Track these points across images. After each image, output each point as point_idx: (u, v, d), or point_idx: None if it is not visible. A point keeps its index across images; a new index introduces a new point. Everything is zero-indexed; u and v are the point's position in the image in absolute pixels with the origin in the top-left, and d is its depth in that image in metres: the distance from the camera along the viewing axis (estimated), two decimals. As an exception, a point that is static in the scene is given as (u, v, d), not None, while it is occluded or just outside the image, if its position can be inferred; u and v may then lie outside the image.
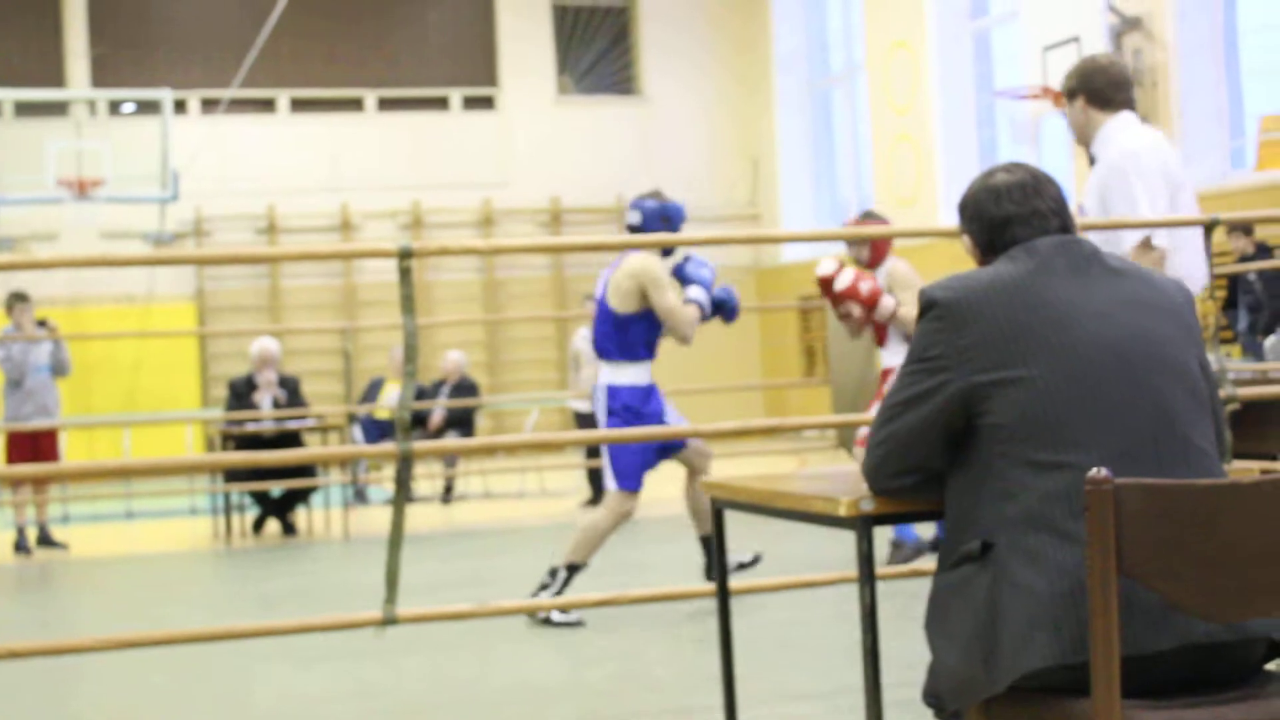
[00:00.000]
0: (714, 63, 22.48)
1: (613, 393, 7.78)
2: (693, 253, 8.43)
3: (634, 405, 7.75)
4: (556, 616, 7.41)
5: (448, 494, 14.87)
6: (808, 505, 3.46)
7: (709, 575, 8.08)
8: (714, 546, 4.16)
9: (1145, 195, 5.53)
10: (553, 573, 7.57)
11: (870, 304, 8.36)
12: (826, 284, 8.43)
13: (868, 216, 8.94)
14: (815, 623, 7.12)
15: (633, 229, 7.99)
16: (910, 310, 8.34)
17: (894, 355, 8.59)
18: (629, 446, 7.68)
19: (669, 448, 7.94)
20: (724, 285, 8.23)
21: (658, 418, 7.81)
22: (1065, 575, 2.82)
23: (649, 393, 7.86)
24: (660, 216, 7.97)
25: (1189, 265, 5.65)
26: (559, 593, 7.51)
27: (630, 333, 7.78)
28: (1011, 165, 3.28)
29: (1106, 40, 14.58)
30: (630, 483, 7.70)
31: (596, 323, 7.91)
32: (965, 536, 3.01)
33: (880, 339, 8.72)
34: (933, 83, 17.99)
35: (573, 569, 7.59)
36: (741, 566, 8.29)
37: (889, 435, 3.15)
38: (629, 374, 7.80)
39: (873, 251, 8.71)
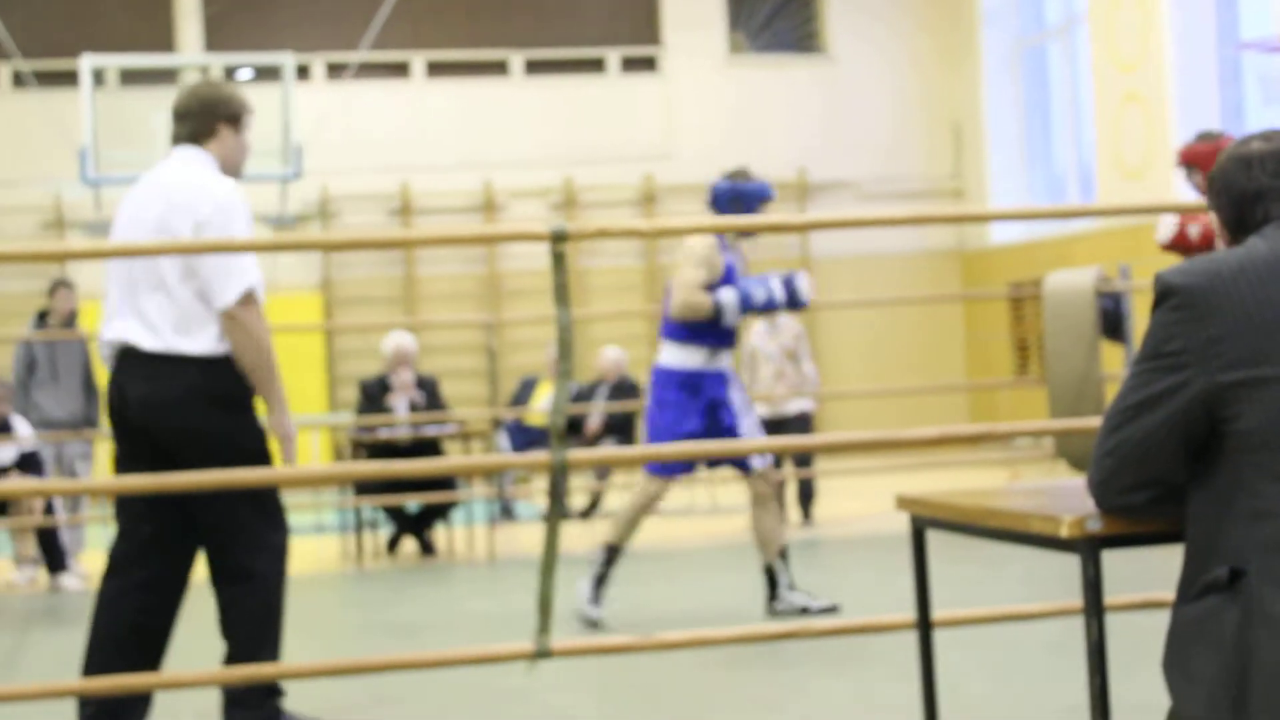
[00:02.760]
0: (910, 16, 22.34)
1: (656, 372, 8.48)
2: (792, 272, 8.85)
3: (672, 388, 8.34)
4: (591, 614, 8.33)
5: (592, 509, 14.94)
6: (1024, 524, 3.43)
7: (771, 610, 8.66)
8: (914, 573, 4.14)
9: None
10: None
11: (1206, 246, 8.31)
12: (1168, 248, 8.58)
13: (1204, 139, 8.93)
14: (1032, 661, 7.05)
15: (710, 208, 8.76)
16: None
17: None
18: (664, 426, 8.27)
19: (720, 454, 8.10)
20: (788, 273, 8.86)
21: (701, 405, 8.32)
22: (1330, 608, 2.77)
23: (694, 378, 8.37)
24: (731, 198, 8.64)
25: None
26: (601, 575, 8.41)
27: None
28: (1270, 133, 3.23)
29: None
30: (662, 469, 8.29)
31: (665, 301, 8.58)
32: (1210, 562, 2.97)
33: None
34: (1167, 33, 17.71)
35: (612, 550, 8.43)
36: (805, 612, 8.56)
37: (1120, 443, 3.12)
38: (678, 355, 8.41)
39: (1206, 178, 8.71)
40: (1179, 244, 8.55)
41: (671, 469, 8.37)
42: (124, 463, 5.69)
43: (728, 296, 8.46)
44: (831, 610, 8.54)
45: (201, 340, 5.55)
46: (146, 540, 5.68)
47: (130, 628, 5.69)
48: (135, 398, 5.54)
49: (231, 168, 5.88)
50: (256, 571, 5.67)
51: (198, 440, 5.53)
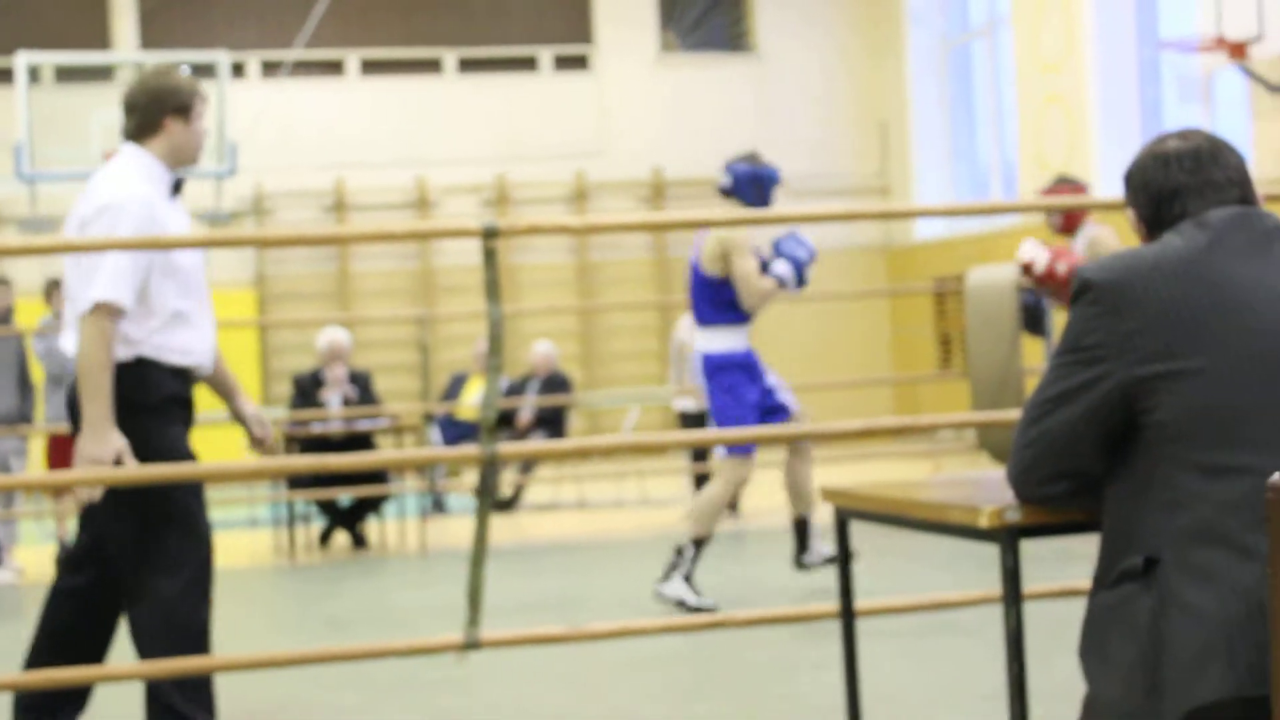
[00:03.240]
0: (838, 16, 22.40)
1: (708, 360, 8.57)
2: (796, 229, 8.88)
3: (730, 370, 8.52)
4: (691, 600, 8.25)
5: (514, 501, 14.93)
6: (945, 515, 3.44)
7: (798, 563, 8.87)
8: (838, 563, 4.14)
9: None
10: (679, 551, 8.36)
11: (1067, 285, 8.65)
12: (1028, 270, 8.93)
13: (1061, 182, 9.34)
14: (952, 649, 7.08)
15: (724, 192, 8.69)
16: None
17: None
18: (734, 412, 8.46)
19: (773, 415, 8.61)
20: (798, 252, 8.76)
21: (757, 385, 8.60)
22: (1242, 596, 2.79)
23: (746, 359, 8.59)
24: (751, 180, 8.64)
25: None
26: (690, 571, 8.34)
27: (724, 295, 8.52)
28: (1187, 131, 3.24)
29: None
30: (741, 449, 8.42)
31: (693, 289, 8.66)
32: (1126, 551, 2.99)
33: None
34: (1088, 35, 17.82)
35: (699, 543, 8.37)
36: (829, 561, 8.84)
37: (1039, 435, 3.13)
38: (724, 339, 8.56)
39: (1065, 219, 9.26)
40: (1047, 280, 8.80)
41: (750, 448, 8.50)
42: None
43: (784, 270, 8.56)
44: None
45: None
46: (88, 544, 5.57)
47: (69, 627, 5.58)
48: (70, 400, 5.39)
49: (184, 159, 5.54)
50: (156, 591, 5.37)
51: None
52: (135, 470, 5.06)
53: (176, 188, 5.50)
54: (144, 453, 5.25)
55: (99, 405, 5.09)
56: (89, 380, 5.10)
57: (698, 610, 8.19)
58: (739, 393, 8.54)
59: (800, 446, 8.78)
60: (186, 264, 5.37)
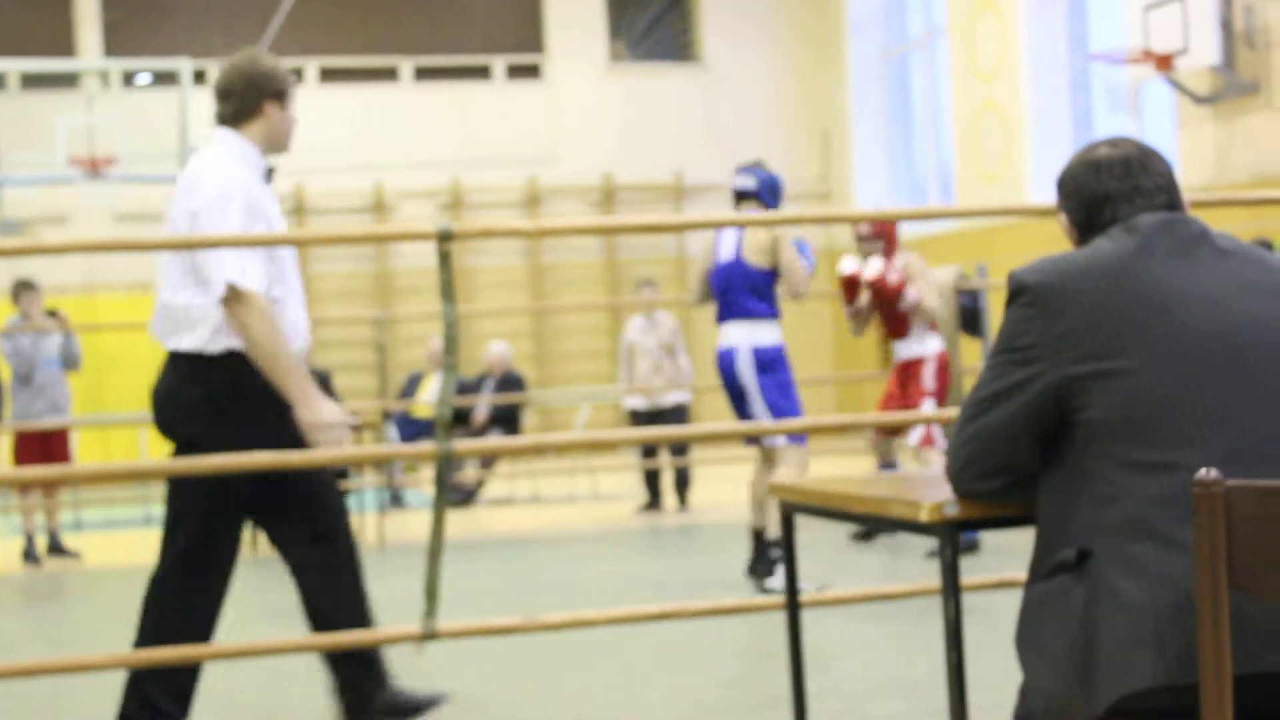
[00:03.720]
0: (782, 26, 22.43)
1: (760, 354, 8.69)
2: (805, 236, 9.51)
3: (781, 361, 8.75)
4: (771, 584, 8.57)
5: (472, 497, 14.91)
6: (886, 509, 3.45)
7: (752, 571, 8.88)
8: (784, 556, 4.15)
9: None
10: (774, 544, 8.61)
11: (897, 294, 9.45)
12: (849, 282, 9.58)
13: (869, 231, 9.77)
14: (893, 639, 7.10)
15: (742, 195, 8.78)
16: (931, 300, 9.59)
17: (919, 345, 9.97)
18: (791, 404, 8.71)
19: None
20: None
21: (789, 373, 8.88)
22: (1170, 587, 2.81)
23: (784, 350, 8.84)
24: (771, 185, 8.83)
25: None
26: (774, 560, 8.63)
27: (770, 287, 8.72)
28: (1117, 139, 3.26)
29: (1214, -2, 14.46)
30: (801, 437, 8.65)
31: (729, 285, 8.75)
32: (1059, 544, 3.00)
33: (901, 331, 9.89)
34: (1022, 45, 17.89)
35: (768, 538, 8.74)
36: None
37: (975, 433, 3.15)
38: (772, 333, 8.74)
39: (887, 243, 9.67)
40: (879, 286, 9.49)
41: (804, 437, 8.74)
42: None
43: (809, 265, 8.83)
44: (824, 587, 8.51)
45: (190, 337, 5.13)
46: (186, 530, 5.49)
47: (178, 610, 5.45)
48: (159, 397, 5.26)
49: (278, 145, 5.37)
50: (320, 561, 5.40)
51: (178, 436, 5.26)
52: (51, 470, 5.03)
53: (269, 174, 5.37)
54: (259, 438, 5.14)
55: (296, 379, 5.07)
56: (276, 362, 5.04)
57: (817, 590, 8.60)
58: (790, 385, 8.77)
59: (770, 459, 8.82)
60: (282, 252, 5.28)
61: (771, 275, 8.68)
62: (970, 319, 11.14)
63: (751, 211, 8.72)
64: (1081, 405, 2.98)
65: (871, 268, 9.47)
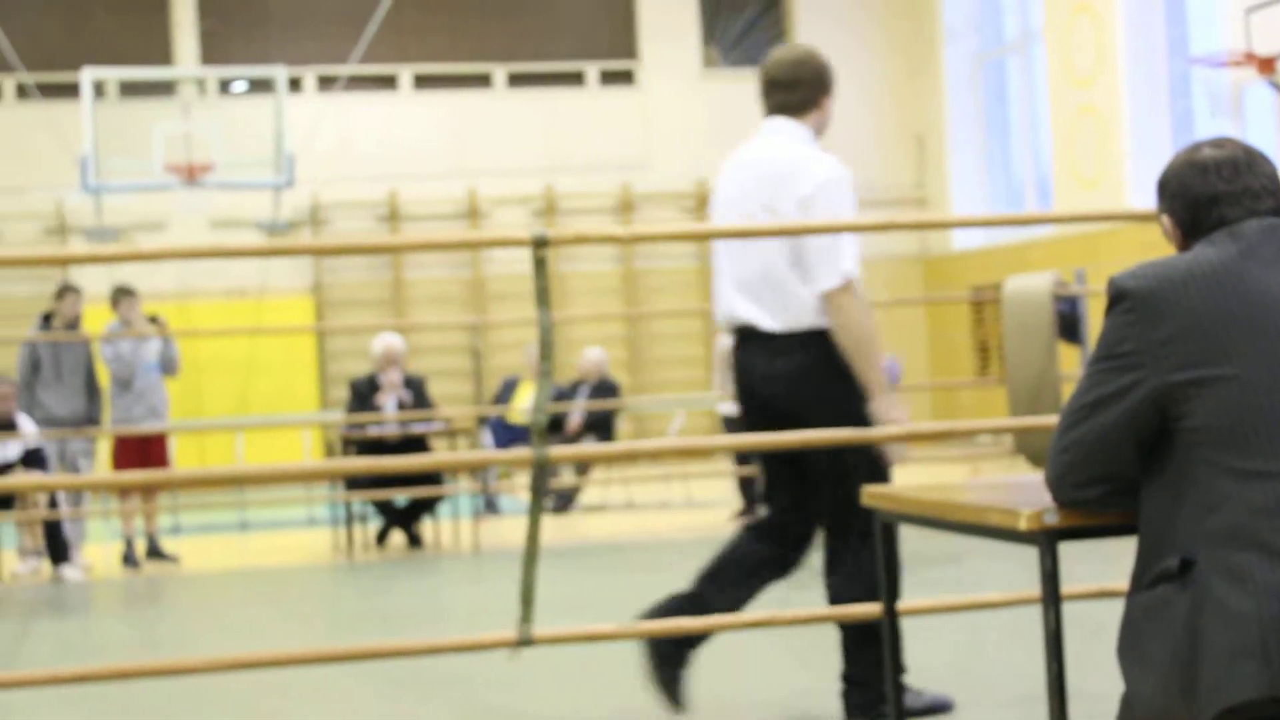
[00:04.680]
0: (875, 31, 22.36)
1: None
2: None
3: None
4: None
5: (569, 504, 14.94)
6: (984, 518, 3.43)
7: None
8: (882, 564, 4.14)
9: None
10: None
11: None
12: None
13: None
14: (990, 649, 7.06)
15: None
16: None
17: None
18: None
19: None
20: None
21: None
22: (1275, 597, 2.78)
23: None
24: None
25: None
26: None
27: None
28: (1220, 139, 3.23)
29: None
30: None
31: None
32: (1162, 553, 2.98)
33: None
34: (1120, 49, 17.75)
35: None
36: None
37: (1075, 441, 3.13)
38: None
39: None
40: None
41: None
42: (751, 430, 5.54)
43: None
44: None
45: (798, 317, 5.32)
46: (782, 518, 5.62)
47: (735, 583, 5.68)
48: (758, 374, 5.44)
49: (820, 135, 5.60)
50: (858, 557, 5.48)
51: (811, 412, 5.35)
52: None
53: None
54: (859, 417, 5.34)
55: (879, 371, 5.27)
56: (867, 350, 5.24)
57: None
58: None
59: None
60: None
61: None
62: (1069, 326, 11.06)
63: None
64: (1183, 413, 2.96)
65: None
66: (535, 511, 5.10)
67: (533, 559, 5.11)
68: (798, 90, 5.49)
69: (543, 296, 5.05)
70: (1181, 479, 2.97)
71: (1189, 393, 2.95)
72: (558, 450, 5.24)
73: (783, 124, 5.51)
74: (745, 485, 13.64)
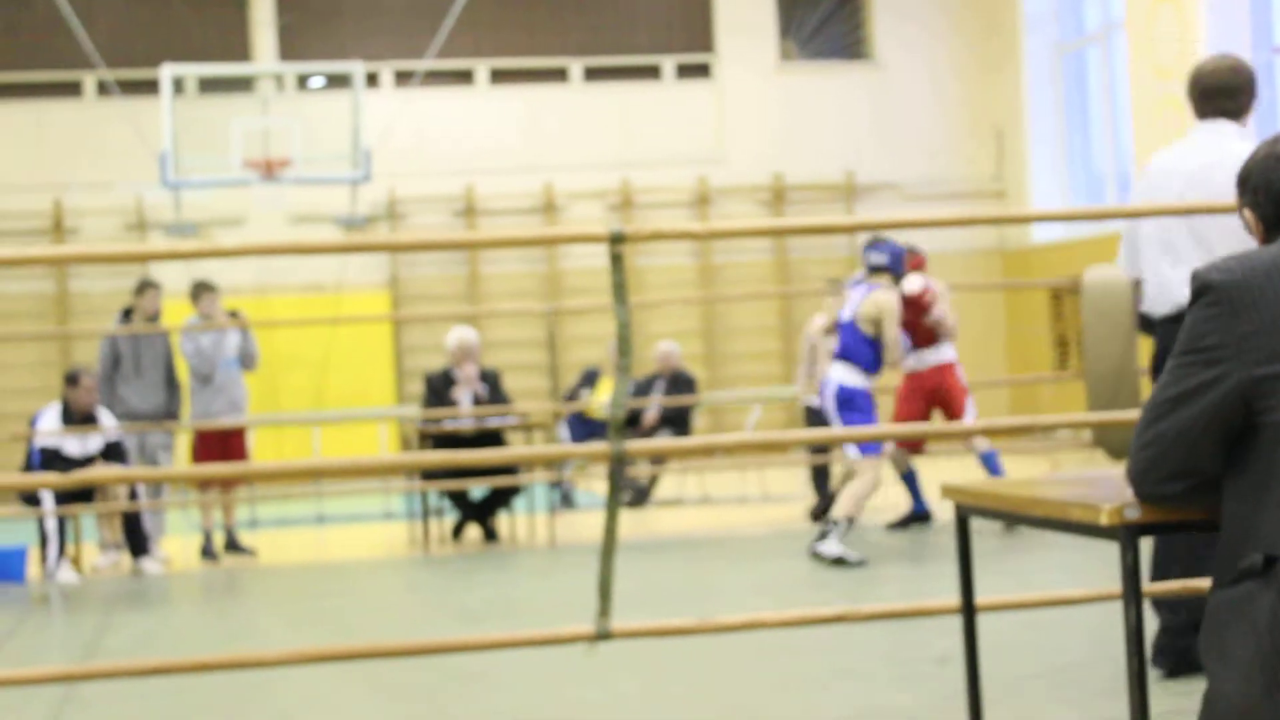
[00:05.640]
0: (954, 23, 22.25)
1: (843, 389, 10.36)
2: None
3: (859, 398, 10.37)
4: (851, 557, 9.78)
5: (644, 498, 14.94)
6: (1065, 513, 3.42)
7: (814, 515, 12.14)
8: (959, 558, 4.12)
9: None
10: (834, 523, 9.92)
11: (928, 309, 11.41)
12: (912, 301, 11.23)
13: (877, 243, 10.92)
14: (1071, 646, 7.02)
15: (875, 269, 10.52)
16: (951, 318, 11.62)
17: (936, 355, 11.63)
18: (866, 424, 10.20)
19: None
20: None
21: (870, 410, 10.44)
22: (1360, 593, 2.76)
23: (867, 393, 10.46)
24: (899, 256, 10.51)
25: None
26: (842, 535, 9.97)
27: (874, 350, 10.38)
28: (1304, 132, 3.20)
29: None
30: (875, 447, 10.30)
31: (845, 335, 10.46)
32: (1246, 549, 2.96)
33: (927, 341, 11.57)
34: (1202, 40, 17.59)
35: (850, 520, 10.06)
36: (840, 562, 10.03)
37: (1158, 435, 3.11)
38: (860, 379, 10.38)
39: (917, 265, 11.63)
40: (915, 304, 11.25)
41: (878, 448, 10.41)
42: None
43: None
44: (862, 564, 9.85)
45: None
46: None
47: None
48: None
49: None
50: None
51: None
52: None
53: None
54: None
55: None
56: None
57: (857, 564, 9.74)
58: (864, 416, 10.35)
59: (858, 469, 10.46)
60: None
61: (874, 345, 10.35)
62: (1147, 321, 10.98)
63: (882, 284, 10.44)
64: (1267, 407, 2.94)
65: (912, 284, 11.31)
66: (613, 505, 5.10)
67: (610, 552, 5.11)
68: (1238, 97, 5.95)
69: (619, 292, 5.06)
70: (1265, 474, 2.95)
71: (1274, 387, 2.93)
72: (634, 444, 5.24)
73: (1227, 127, 5.97)
74: (819, 477, 13.60)
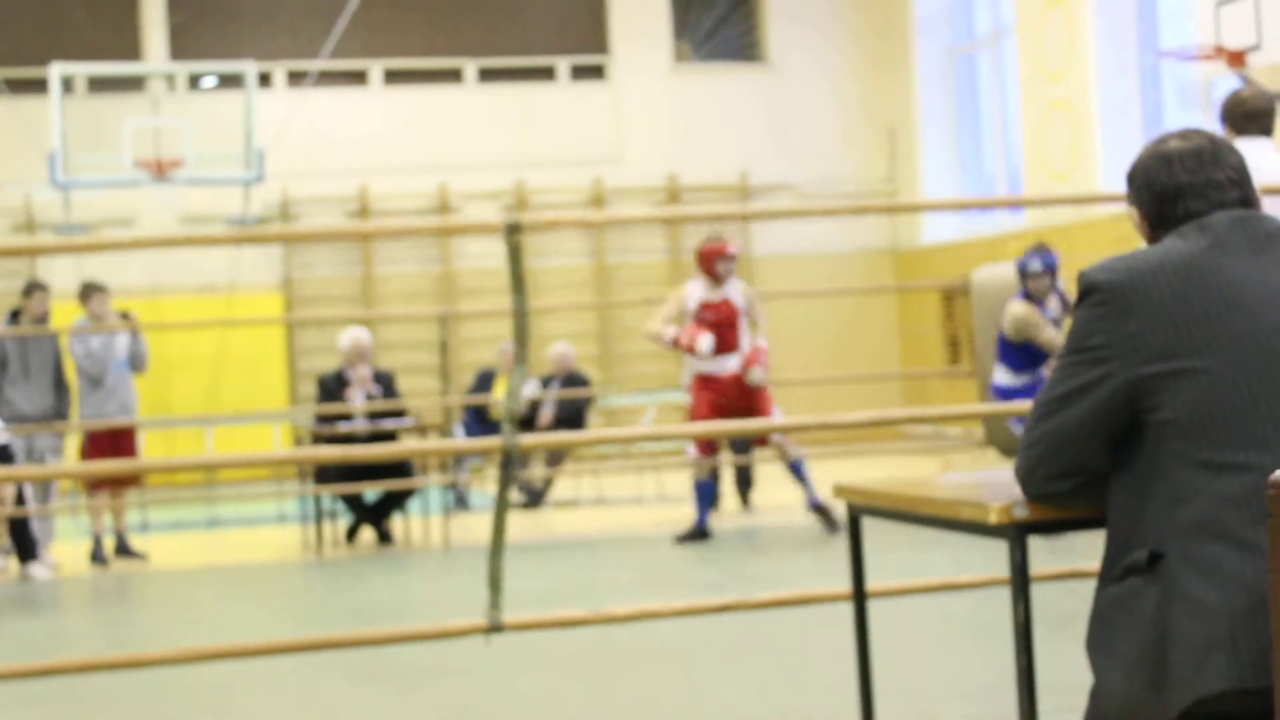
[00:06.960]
0: (847, 26, 22.37)
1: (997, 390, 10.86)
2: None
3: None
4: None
5: (539, 498, 14.89)
6: (955, 512, 3.44)
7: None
8: (850, 554, 4.14)
9: None
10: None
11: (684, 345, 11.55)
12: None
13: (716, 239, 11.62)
14: (959, 640, 7.07)
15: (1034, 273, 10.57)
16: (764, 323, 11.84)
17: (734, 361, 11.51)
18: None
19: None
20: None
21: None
22: (1244, 589, 2.79)
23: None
24: (1053, 268, 10.45)
25: None
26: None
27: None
28: (1188, 131, 3.23)
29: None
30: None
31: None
32: (1131, 546, 2.98)
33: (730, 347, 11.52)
34: (1090, 43, 17.79)
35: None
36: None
37: (1045, 434, 3.13)
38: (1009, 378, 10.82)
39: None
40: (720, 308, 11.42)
41: None
42: None
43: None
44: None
45: None
46: None
47: None
48: None
49: None
50: None
51: None
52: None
53: None
54: None
55: None
56: None
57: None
58: None
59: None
60: None
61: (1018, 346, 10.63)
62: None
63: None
64: (1153, 405, 2.96)
65: (703, 342, 11.31)
66: (503, 495, 5.09)
67: (500, 544, 5.10)
68: (1272, 117, 7.24)
69: (518, 284, 5.04)
70: (1151, 472, 2.97)
71: (1159, 385, 2.95)
72: (527, 438, 5.23)
73: (1265, 143, 7.16)
74: (742, 476, 13.63)
